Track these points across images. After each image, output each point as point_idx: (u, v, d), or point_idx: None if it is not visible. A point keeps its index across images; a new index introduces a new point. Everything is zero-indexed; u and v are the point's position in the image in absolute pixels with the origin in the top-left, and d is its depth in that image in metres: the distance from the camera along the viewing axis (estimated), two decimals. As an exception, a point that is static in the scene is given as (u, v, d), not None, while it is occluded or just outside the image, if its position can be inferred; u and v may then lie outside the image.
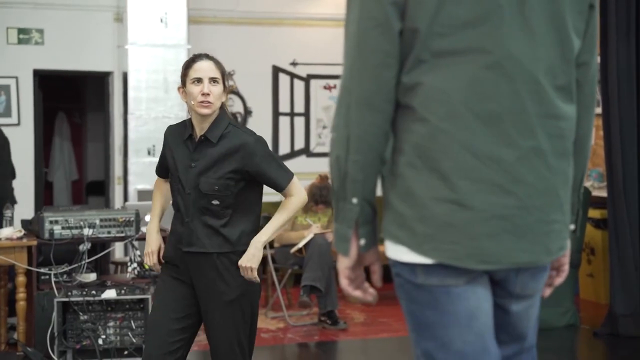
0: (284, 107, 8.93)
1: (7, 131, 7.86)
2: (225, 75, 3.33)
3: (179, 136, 3.34)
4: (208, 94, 3.22)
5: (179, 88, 3.36)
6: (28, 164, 8.06)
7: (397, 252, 1.73)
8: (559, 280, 1.94)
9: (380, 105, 1.69)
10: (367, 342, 6.19)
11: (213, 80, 3.26)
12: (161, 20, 7.77)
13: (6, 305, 5.59)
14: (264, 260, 7.77)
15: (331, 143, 1.74)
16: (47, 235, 5.26)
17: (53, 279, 5.14)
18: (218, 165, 3.25)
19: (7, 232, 5.31)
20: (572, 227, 1.90)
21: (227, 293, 3.27)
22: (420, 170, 1.68)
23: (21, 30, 7.99)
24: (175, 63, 7.80)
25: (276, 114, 8.92)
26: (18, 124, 8.00)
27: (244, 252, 3.28)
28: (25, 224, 5.80)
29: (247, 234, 3.32)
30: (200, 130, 3.28)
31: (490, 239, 1.67)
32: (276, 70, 8.87)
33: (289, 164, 9.65)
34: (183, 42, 7.81)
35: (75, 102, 10.58)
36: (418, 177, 1.68)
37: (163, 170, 3.50)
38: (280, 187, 3.37)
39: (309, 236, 6.49)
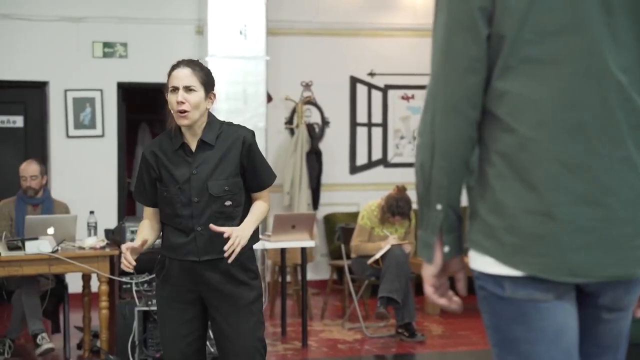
0: (361, 117, 8.94)
1: (91, 143, 8.12)
2: (208, 83, 3.21)
3: (167, 149, 3.26)
4: (182, 102, 3.13)
5: (166, 96, 3.26)
6: (111, 174, 8.27)
7: (483, 263, 1.71)
8: None
9: (465, 110, 1.68)
10: (446, 355, 6.13)
11: (188, 88, 3.16)
12: (240, 32, 7.88)
13: (89, 313, 5.72)
14: (340, 270, 7.74)
15: (417, 149, 1.74)
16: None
17: (134, 288, 5.24)
18: (222, 166, 3.20)
19: (91, 241, 5.44)
20: None
21: (244, 297, 3.25)
22: (509, 180, 1.67)
23: (106, 44, 8.21)
24: (254, 75, 7.90)
25: (354, 124, 8.93)
26: (102, 136, 8.21)
27: (250, 249, 3.28)
28: (108, 233, 5.94)
29: (254, 231, 3.30)
30: (191, 136, 3.23)
31: (579, 252, 1.65)
32: (354, 81, 8.89)
33: (367, 175, 9.74)
34: (262, 53, 7.91)
35: (157, 113, 10.78)
36: (507, 187, 1.67)
37: (151, 195, 3.31)
38: (262, 185, 3.29)
39: (385, 247, 6.46)
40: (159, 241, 5.30)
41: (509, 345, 1.71)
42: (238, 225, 3.21)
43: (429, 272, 1.76)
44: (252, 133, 3.28)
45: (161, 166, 3.25)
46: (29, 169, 6.09)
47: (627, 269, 1.69)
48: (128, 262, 3.19)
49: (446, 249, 1.72)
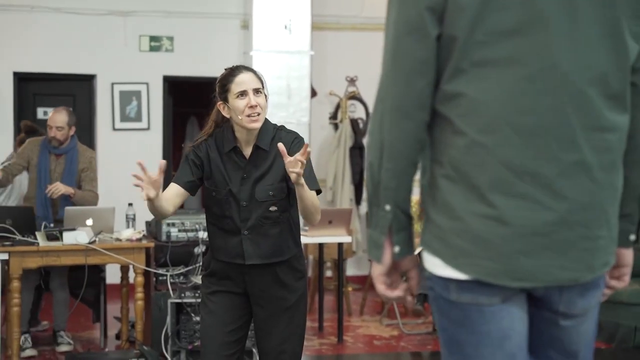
0: (406, 113, 8.85)
1: (137, 135, 8.22)
2: (265, 85, 3.24)
3: (220, 149, 3.24)
4: (256, 106, 3.14)
5: (218, 104, 3.24)
6: (156, 167, 8.31)
7: (433, 264, 1.70)
8: (622, 284, 1.87)
9: (413, 112, 1.65)
10: (483, 354, 6.06)
11: (256, 91, 3.16)
12: (285, 27, 7.89)
13: (127, 304, 5.79)
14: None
15: (367, 149, 1.73)
16: (164, 237, 5.44)
17: (169, 280, 5.29)
18: (272, 171, 3.20)
19: (127, 233, 5.51)
20: (632, 237, 1.84)
21: (287, 299, 3.27)
22: (457, 183, 1.64)
23: (153, 38, 8.30)
24: (298, 69, 7.90)
25: (398, 119, 8.85)
26: (148, 129, 8.30)
27: (298, 252, 3.29)
28: (147, 225, 6.01)
29: (298, 235, 3.32)
30: (246, 141, 3.21)
31: (528, 256, 1.62)
32: (399, 76, 8.81)
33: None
34: (306, 48, 7.91)
35: (205, 107, 10.88)
36: (455, 190, 1.65)
37: (185, 177, 3.23)
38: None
39: (424, 244, 6.40)
40: (192, 234, 5.40)
41: (455, 347, 1.71)
42: (282, 230, 3.22)
43: (378, 271, 1.74)
44: (302, 138, 3.27)
45: (213, 164, 3.24)
46: (55, 118, 5.85)
47: (577, 272, 1.66)
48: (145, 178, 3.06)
49: (396, 248, 1.70)
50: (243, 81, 3.17)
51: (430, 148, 1.71)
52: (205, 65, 8.37)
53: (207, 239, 3.39)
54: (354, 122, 8.63)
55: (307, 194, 3.11)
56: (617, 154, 1.69)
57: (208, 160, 3.25)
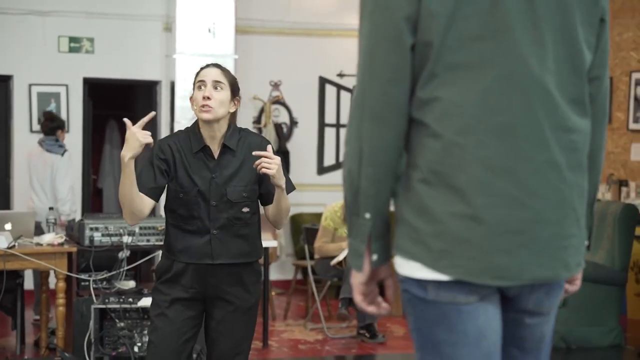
0: (330, 118, 8.92)
1: (56, 138, 8.01)
2: (235, 86, 3.23)
3: (185, 150, 3.19)
4: (209, 98, 3.12)
5: (190, 98, 3.25)
6: (76, 170, 8.16)
7: (410, 268, 1.70)
8: (574, 288, 1.93)
9: (391, 120, 1.68)
10: (407, 356, 6.12)
11: (216, 83, 3.16)
12: (209, 30, 7.84)
13: (47, 311, 5.65)
14: (305, 270, 7.71)
15: (344, 157, 1.74)
16: (87, 242, 5.32)
17: (92, 286, 5.19)
18: (242, 173, 3.19)
19: (48, 238, 5.37)
20: (586, 243, 1.87)
21: (247, 300, 3.26)
22: (434, 185, 1.67)
23: (72, 39, 8.13)
24: (222, 73, 7.85)
25: (322, 125, 8.91)
26: (67, 131, 8.09)
27: (261, 254, 3.31)
28: (68, 229, 5.88)
29: (260, 240, 3.33)
30: (211, 140, 3.19)
31: (506, 254, 1.65)
32: (323, 82, 8.87)
33: (334, 176, 9.66)
34: (230, 52, 7.87)
35: (126, 110, 10.71)
36: (433, 192, 1.67)
37: (153, 186, 3.14)
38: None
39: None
40: (116, 239, 5.30)
41: (432, 348, 1.71)
42: (251, 231, 3.23)
43: (358, 279, 1.75)
44: (269, 141, 3.27)
45: (179, 165, 3.18)
46: None
47: (555, 270, 1.71)
48: (144, 134, 3.04)
49: (374, 256, 1.72)
50: (205, 74, 3.19)
51: (406, 153, 1.73)
52: (126, 67, 8.25)
53: (164, 244, 3.28)
54: (277, 127, 8.63)
55: (284, 198, 3.16)
56: (582, 155, 1.75)
57: (173, 161, 3.18)
